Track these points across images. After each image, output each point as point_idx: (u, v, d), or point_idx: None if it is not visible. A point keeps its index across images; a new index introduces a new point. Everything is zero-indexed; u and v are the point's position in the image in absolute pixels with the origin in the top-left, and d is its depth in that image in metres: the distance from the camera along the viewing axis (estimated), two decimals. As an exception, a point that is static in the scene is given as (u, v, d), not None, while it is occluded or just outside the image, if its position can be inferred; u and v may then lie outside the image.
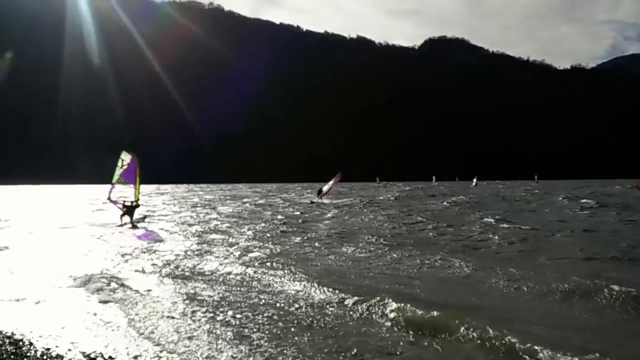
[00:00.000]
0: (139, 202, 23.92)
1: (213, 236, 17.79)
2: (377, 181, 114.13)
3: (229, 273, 10.80)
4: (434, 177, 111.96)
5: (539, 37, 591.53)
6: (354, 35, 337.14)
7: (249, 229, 19.93)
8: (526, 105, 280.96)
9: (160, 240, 16.82)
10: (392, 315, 7.23)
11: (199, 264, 11.98)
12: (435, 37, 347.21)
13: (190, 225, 22.29)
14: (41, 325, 7.18)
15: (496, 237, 16.35)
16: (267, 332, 6.73)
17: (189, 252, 13.89)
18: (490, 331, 6.22)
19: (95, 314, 7.78)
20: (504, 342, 5.96)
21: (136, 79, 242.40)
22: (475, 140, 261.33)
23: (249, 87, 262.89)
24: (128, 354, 6.04)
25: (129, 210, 23.03)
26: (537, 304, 8.16)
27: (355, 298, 8.07)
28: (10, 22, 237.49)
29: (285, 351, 6.03)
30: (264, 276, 10.37)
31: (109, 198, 23.74)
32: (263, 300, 8.40)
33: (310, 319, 7.31)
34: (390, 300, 7.67)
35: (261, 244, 15.44)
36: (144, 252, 14.11)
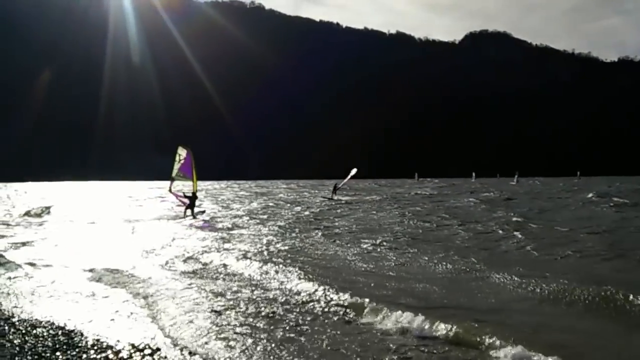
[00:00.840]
0: (197, 194, 25.12)
1: (236, 231, 18.06)
2: (416, 177, 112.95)
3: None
4: (473, 174, 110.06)
5: (584, 29, 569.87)
6: (393, 31, 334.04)
7: (269, 225, 20.33)
8: (572, 100, 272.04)
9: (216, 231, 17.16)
10: (388, 323, 7.04)
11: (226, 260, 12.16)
12: (476, 31, 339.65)
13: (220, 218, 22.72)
14: (92, 316, 7.46)
15: (510, 235, 16.06)
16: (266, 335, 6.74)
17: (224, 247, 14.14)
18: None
19: (142, 307, 8.02)
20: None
21: (177, 79, 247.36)
22: (518, 135, 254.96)
23: (289, 85, 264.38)
24: (173, 345, 6.21)
25: (190, 201, 24.25)
26: (529, 308, 7.84)
27: (351, 299, 8.02)
28: (57, 23, 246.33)
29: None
30: (266, 275, 10.53)
31: (170, 190, 25.59)
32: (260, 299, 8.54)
33: (294, 321, 7.29)
34: (385, 305, 7.56)
35: (275, 239, 15.58)
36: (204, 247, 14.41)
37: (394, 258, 12.37)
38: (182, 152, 25.18)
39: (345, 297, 8.20)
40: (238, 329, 6.82)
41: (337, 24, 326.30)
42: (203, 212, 26.20)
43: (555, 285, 8.61)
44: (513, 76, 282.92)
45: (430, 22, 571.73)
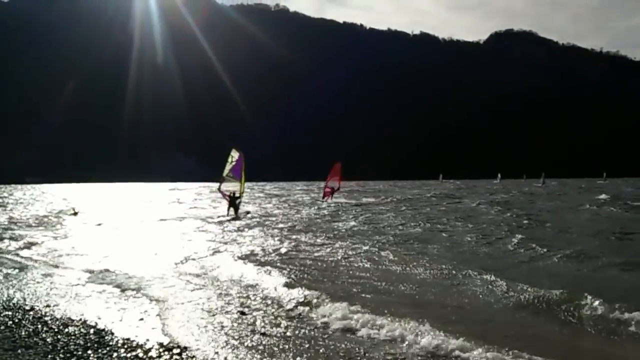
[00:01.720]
0: (243, 196, 26.65)
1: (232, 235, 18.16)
2: (440, 179, 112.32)
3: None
4: (498, 175, 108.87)
5: (613, 27, 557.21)
6: (417, 32, 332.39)
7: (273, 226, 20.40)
8: (600, 99, 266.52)
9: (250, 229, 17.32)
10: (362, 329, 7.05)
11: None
12: (501, 31, 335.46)
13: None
14: (121, 316, 7.61)
15: (506, 237, 15.92)
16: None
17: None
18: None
19: (170, 308, 8.14)
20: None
21: (200, 81, 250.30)
22: (544, 136, 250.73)
23: (311, 87, 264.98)
24: (201, 345, 6.30)
25: (233, 201, 25.47)
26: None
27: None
28: (87, 28, 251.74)
29: None
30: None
31: (219, 189, 26.98)
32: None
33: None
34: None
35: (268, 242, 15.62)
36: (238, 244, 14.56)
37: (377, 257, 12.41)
38: (234, 155, 26.56)
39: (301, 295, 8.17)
40: (264, 330, 6.90)
41: (361, 25, 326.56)
42: (248, 212, 27.50)
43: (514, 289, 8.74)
44: (539, 76, 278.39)
45: (454, 21, 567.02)
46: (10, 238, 17.42)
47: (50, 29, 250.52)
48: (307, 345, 6.32)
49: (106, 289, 9.44)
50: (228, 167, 26.43)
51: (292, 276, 10.32)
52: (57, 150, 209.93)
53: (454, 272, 10.45)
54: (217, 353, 6.07)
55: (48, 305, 8.16)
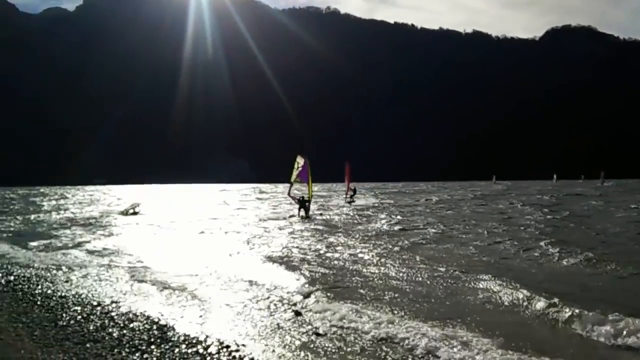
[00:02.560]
0: (311, 198, 27.75)
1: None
2: (493, 180, 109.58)
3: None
4: (554, 176, 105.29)
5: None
6: (469, 30, 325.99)
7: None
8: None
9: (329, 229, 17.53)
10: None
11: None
12: (558, 27, 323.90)
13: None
14: (182, 313, 7.90)
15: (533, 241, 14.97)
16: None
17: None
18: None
19: (230, 305, 8.36)
20: None
21: (250, 86, 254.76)
22: (605, 135, 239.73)
23: (360, 88, 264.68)
24: (258, 344, 6.45)
25: (302, 203, 26.72)
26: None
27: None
28: (145, 33, 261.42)
29: None
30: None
31: (289, 194, 28.92)
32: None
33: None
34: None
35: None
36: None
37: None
38: (300, 161, 27.77)
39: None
40: (319, 330, 6.98)
41: (412, 25, 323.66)
42: (320, 213, 28.71)
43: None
44: (600, 73, 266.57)
45: (509, 18, 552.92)
46: (71, 236, 18.36)
47: (113, 37, 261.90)
48: (357, 348, 6.34)
49: (164, 287, 9.78)
50: (295, 172, 27.80)
51: (346, 281, 10.36)
52: (119, 153, 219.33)
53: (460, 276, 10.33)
54: (273, 352, 6.18)
55: (114, 302, 8.57)
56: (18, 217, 29.82)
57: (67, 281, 10.38)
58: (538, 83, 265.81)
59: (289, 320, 7.51)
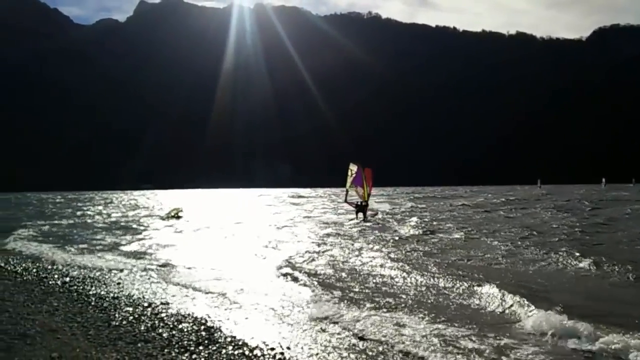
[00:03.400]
0: (368, 202, 28.39)
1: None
2: (538, 184, 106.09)
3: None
4: (603, 180, 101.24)
5: None
6: (513, 32, 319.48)
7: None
8: None
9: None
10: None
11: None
12: (605, 26, 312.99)
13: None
14: (228, 315, 8.11)
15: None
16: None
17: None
18: None
19: (273, 308, 8.52)
20: None
21: (290, 91, 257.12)
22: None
23: (402, 93, 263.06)
24: (302, 347, 6.55)
25: (360, 208, 27.67)
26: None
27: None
28: (189, 42, 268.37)
29: None
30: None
31: (345, 200, 29.43)
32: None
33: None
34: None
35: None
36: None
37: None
38: (353, 168, 28.52)
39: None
40: (362, 334, 7.03)
41: (454, 28, 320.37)
42: (375, 214, 29.71)
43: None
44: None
45: (553, 19, 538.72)
46: (113, 239, 19.03)
47: (159, 47, 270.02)
48: (399, 352, 6.35)
49: (211, 289, 10.06)
50: (349, 180, 28.53)
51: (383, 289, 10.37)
52: (165, 159, 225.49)
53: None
54: (317, 355, 6.27)
55: (163, 303, 8.87)
56: (64, 220, 31.52)
57: (118, 283, 10.81)
58: (586, 84, 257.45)
59: (332, 323, 7.58)
